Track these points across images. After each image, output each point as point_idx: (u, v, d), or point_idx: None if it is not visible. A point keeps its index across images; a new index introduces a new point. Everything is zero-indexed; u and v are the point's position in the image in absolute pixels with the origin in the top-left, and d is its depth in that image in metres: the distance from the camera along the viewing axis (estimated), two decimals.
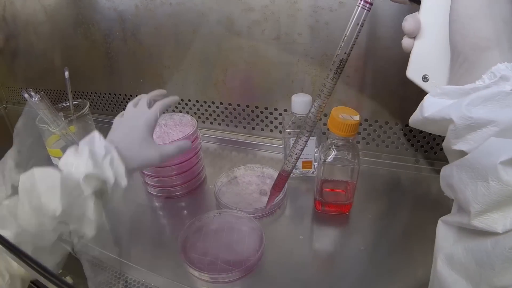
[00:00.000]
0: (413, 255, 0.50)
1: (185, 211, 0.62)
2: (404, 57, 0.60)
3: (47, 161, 0.69)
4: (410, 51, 0.35)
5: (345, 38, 0.37)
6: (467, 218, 0.25)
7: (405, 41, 0.35)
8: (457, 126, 0.26)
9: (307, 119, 0.46)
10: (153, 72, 0.85)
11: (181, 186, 0.64)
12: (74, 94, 1.00)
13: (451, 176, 0.27)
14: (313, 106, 0.44)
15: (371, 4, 0.34)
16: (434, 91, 0.29)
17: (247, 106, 0.78)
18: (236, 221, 0.56)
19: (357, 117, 0.48)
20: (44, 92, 0.83)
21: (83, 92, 1.00)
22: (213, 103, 0.81)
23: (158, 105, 0.52)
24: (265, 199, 0.61)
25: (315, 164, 0.65)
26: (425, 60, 0.33)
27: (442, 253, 0.27)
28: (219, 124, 0.84)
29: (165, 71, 0.83)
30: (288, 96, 0.62)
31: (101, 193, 0.44)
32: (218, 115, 0.83)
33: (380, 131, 0.69)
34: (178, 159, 0.61)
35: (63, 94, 1.04)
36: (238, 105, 0.79)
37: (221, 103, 0.80)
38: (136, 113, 0.52)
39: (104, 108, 1.00)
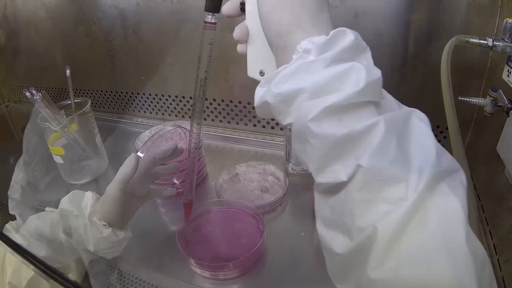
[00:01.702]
0: None
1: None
2: (404, 54, 0.60)
3: (50, 159, 0.70)
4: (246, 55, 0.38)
5: (201, 58, 0.41)
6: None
7: (239, 47, 0.38)
8: (273, 105, 0.28)
9: (189, 150, 0.46)
10: (154, 70, 0.85)
11: (182, 183, 0.65)
12: (75, 92, 0.99)
13: (292, 148, 0.30)
14: (192, 133, 0.45)
15: (215, 23, 0.40)
16: (260, 82, 0.31)
17: (248, 103, 0.78)
18: (237, 216, 0.56)
19: None
20: (46, 90, 0.83)
21: (84, 90, 1.01)
22: (214, 100, 0.81)
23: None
24: (267, 196, 0.61)
25: None
26: (259, 59, 0.37)
27: (318, 217, 0.29)
28: (221, 121, 0.84)
29: (166, 68, 0.83)
30: None
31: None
32: (220, 112, 0.83)
33: None
34: (180, 157, 0.62)
35: (65, 92, 1.04)
36: (240, 102, 0.79)
37: (223, 100, 0.80)
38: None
39: (105, 106, 1.00)
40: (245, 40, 0.37)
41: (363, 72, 0.25)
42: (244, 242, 0.52)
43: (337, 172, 0.25)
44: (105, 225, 0.45)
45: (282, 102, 0.27)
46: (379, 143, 0.23)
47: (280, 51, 0.31)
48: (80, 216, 0.45)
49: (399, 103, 0.28)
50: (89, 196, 0.47)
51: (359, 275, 0.24)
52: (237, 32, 0.37)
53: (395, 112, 0.27)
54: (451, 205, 0.22)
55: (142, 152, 0.49)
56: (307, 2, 0.30)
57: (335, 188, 0.26)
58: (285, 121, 0.29)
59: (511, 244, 0.43)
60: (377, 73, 0.26)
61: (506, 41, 0.44)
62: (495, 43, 0.45)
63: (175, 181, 0.59)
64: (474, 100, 0.50)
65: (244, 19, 0.36)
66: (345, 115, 0.25)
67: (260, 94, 0.30)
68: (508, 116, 0.45)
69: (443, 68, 0.47)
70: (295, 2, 0.29)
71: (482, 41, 0.46)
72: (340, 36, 0.28)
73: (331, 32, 0.28)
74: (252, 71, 0.38)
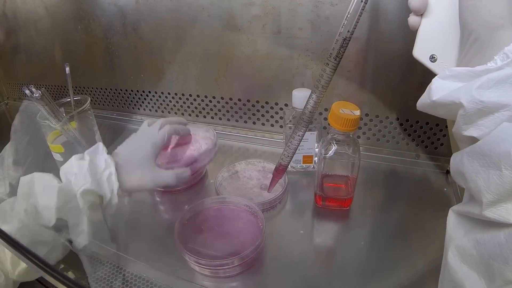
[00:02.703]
0: (413, 250, 0.50)
1: (186, 206, 0.62)
2: (405, 52, 0.60)
3: (45, 158, 0.69)
4: (417, 30, 0.33)
5: (348, 15, 0.35)
6: (479, 209, 0.24)
7: (412, 19, 0.33)
8: (467, 110, 0.24)
9: (304, 112, 0.46)
10: (153, 67, 0.85)
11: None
12: (75, 90, 1.00)
13: (462, 164, 0.25)
14: (311, 98, 0.44)
15: None
16: (442, 73, 0.27)
17: (248, 101, 0.78)
18: (237, 214, 0.56)
19: (357, 112, 0.48)
20: (45, 88, 0.83)
21: (84, 88, 1.00)
22: (213, 97, 0.81)
23: (166, 129, 0.53)
24: (266, 194, 0.61)
25: (315, 159, 0.65)
26: (433, 39, 0.32)
27: (453, 244, 0.26)
28: (220, 119, 0.84)
29: (165, 66, 0.83)
30: (289, 91, 0.62)
31: (96, 205, 0.45)
32: (219, 110, 0.83)
33: (380, 126, 0.69)
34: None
35: (64, 89, 1.04)
36: (239, 100, 0.79)
37: (222, 98, 0.80)
38: (147, 132, 0.53)
39: (105, 103, 1.00)
40: (422, 12, 0.31)
41: None
42: (243, 239, 0.52)
43: (508, 212, 0.22)
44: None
45: (478, 111, 0.24)
46: None
47: (478, 44, 0.27)
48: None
49: None
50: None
51: None
52: (416, 0, 0.31)
53: None
54: None
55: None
56: None
57: (493, 225, 0.23)
58: (467, 132, 0.25)
59: None
60: None
61: None
62: None
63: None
64: None
65: None
66: None
67: (445, 90, 0.26)
68: None
69: None
70: None
71: None
72: None
73: None
74: (420, 52, 0.33)
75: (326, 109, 0.71)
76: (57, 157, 0.68)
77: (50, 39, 0.96)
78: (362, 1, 0.34)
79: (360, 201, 0.58)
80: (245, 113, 0.80)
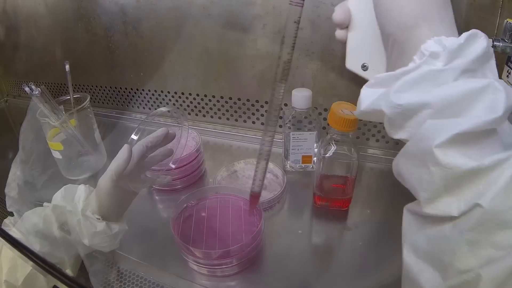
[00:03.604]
0: None
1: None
2: None
3: (48, 156, 0.70)
4: (346, 42, 0.33)
5: (284, 38, 0.34)
6: (420, 207, 0.24)
7: (338, 33, 0.33)
8: (389, 116, 0.25)
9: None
10: (154, 66, 0.84)
11: (181, 179, 0.65)
12: (74, 88, 0.99)
13: (398, 165, 0.27)
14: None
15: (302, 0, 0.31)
16: (369, 82, 0.27)
17: (248, 100, 0.78)
18: (235, 213, 0.56)
19: None
20: (45, 85, 0.83)
21: (83, 86, 1.00)
22: (213, 97, 0.81)
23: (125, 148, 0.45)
24: (265, 193, 0.61)
25: (314, 159, 0.65)
26: (362, 49, 0.32)
27: (407, 242, 0.27)
28: (220, 118, 0.84)
29: (166, 64, 0.83)
30: (289, 91, 0.62)
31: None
32: (219, 109, 0.83)
33: (380, 126, 0.69)
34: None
35: (64, 87, 1.04)
36: (239, 99, 0.79)
37: (222, 97, 0.80)
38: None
39: (104, 101, 1.00)
40: (346, 25, 0.31)
41: (502, 95, 0.21)
42: (240, 239, 0.52)
43: (449, 206, 0.22)
44: (99, 219, 0.44)
45: (400, 114, 0.24)
46: (506, 183, 0.20)
47: (397, 47, 0.27)
48: (74, 211, 0.45)
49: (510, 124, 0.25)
50: (81, 189, 0.47)
51: None
52: (338, 14, 0.31)
53: None
54: None
55: (136, 135, 0.48)
56: None
57: (439, 220, 0.23)
58: (396, 135, 0.26)
59: None
60: None
61: (506, 41, 0.44)
62: (495, 43, 0.45)
63: (171, 165, 0.57)
64: None
65: None
66: (474, 145, 0.22)
67: (371, 99, 0.26)
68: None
69: None
70: None
71: None
72: (473, 41, 0.24)
73: (464, 35, 0.24)
74: (352, 63, 0.33)
75: (325, 109, 0.71)
76: (56, 154, 0.68)
77: (50, 37, 0.96)
78: (295, 22, 0.32)
79: (358, 201, 0.58)
80: (244, 113, 0.80)
